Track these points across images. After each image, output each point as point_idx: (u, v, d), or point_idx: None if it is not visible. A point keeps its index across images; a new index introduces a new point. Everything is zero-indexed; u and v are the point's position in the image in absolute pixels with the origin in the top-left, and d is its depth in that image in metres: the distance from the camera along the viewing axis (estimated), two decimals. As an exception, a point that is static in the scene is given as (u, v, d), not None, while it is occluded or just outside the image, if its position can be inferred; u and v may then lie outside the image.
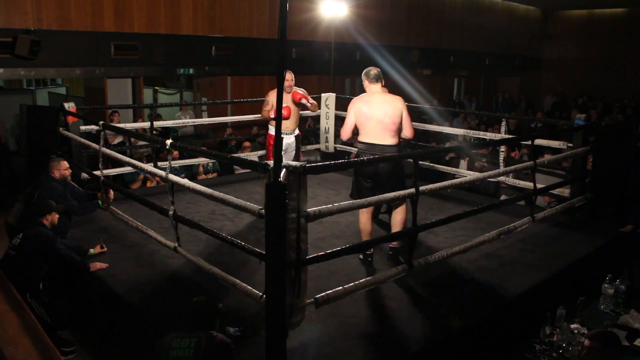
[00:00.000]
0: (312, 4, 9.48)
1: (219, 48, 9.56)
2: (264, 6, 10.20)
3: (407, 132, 4.24)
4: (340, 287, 3.19)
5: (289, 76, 5.18)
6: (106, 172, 5.41)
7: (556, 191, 5.74)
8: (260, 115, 7.43)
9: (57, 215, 4.16)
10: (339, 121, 7.99)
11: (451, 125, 9.12)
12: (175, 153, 6.56)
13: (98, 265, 4.13)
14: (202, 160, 7.12)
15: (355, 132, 4.35)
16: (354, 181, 4.39)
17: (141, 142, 7.47)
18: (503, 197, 6.30)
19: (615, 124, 9.53)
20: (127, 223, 4.66)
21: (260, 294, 3.07)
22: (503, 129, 6.64)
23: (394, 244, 4.27)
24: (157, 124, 6.76)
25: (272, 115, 4.99)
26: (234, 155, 6.43)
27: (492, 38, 16.07)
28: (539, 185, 4.87)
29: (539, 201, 5.99)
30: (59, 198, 4.50)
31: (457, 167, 7.21)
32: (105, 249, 4.41)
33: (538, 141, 5.56)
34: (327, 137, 7.45)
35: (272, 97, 5.20)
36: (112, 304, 3.89)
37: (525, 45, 17.84)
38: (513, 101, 16.75)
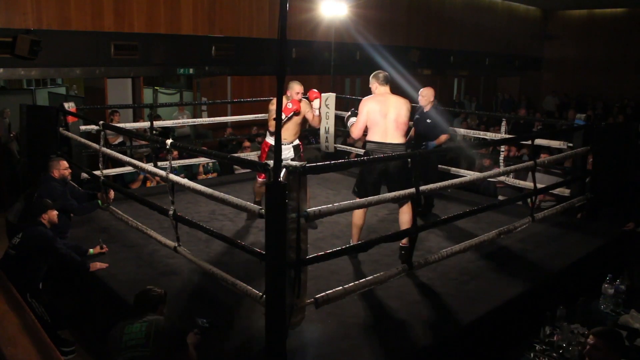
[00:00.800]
0: (312, 4, 9.48)
1: (219, 48, 9.56)
2: (264, 6, 10.20)
3: (409, 133, 4.31)
4: (340, 287, 3.20)
5: (300, 89, 4.94)
6: (106, 172, 5.41)
7: (556, 191, 5.75)
8: (260, 115, 7.47)
9: (55, 213, 4.15)
10: (339, 121, 7.99)
11: (451, 126, 9.10)
12: (175, 153, 6.55)
13: (98, 265, 4.13)
14: (202, 160, 7.12)
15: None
16: (358, 177, 4.41)
17: (141, 142, 7.47)
18: (500, 198, 6.29)
19: (615, 124, 9.54)
20: (127, 223, 4.66)
21: (260, 294, 3.07)
22: (503, 128, 6.65)
23: (404, 242, 4.24)
24: (157, 123, 6.76)
25: (283, 117, 4.82)
26: (234, 155, 6.43)
27: (492, 38, 16.07)
28: (539, 185, 4.87)
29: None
30: (59, 198, 4.50)
31: (458, 167, 7.20)
32: (105, 249, 4.41)
33: (538, 141, 5.56)
34: (327, 137, 7.44)
35: (276, 105, 5.04)
36: (112, 304, 3.89)
37: (525, 45, 17.85)
38: (513, 101, 16.75)
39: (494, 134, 6.66)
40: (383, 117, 4.23)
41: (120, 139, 8.28)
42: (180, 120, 9.28)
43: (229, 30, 9.76)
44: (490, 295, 3.86)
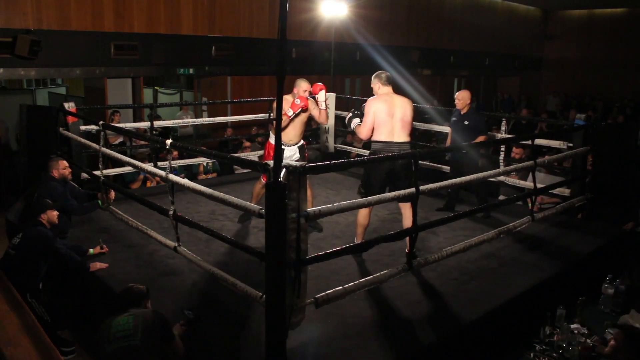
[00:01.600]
0: (312, 4, 9.48)
1: (219, 48, 9.56)
2: (264, 6, 10.20)
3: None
4: (340, 287, 3.20)
5: (307, 86, 4.85)
6: (106, 172, 5.41)
7: (556, 191, 5.75)
8: (260, 115, 7.47)
9: (54, 213, 4.16)
10: (339, 121, 7.99)
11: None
12: (175, 153, 6.56)
13: (98, 265, 4.13)
14: (202, 160, 7.13)
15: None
16: (364, 177, 4.42)
17: (141, 142, 7.47)
18: (501, 197, 6.30)
19: (615, 124, 9.54)
20: (127, 223, 4.66)
21: (260, 294, 3.07)
22: (503, 128, 6.65)
23: (408, 250, 4.20)
24: (157, 123, 6.76)
25: (291, 113, 4.78)
26: (234, 155, 6.43)
27: (492, 38, 16.08)
28: (539, 185, 4.88)
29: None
30: (59, 197, 4.50)
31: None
32: (105, 249, 4.41)
33: (538, 141, 5.56)
34: (327, 137, 7.45)
35: (283, 103, 4.85)
36: (112, 304, 3.88)
37: (525, 45, 17.85)
38: (512, 101, 16.75)
39: (493, 134, 6.66)
40: (390, 116, 4.25)
41: (120, 139, 8.29)
42: (180, 120, 9.28)
43: (229, 30, 9.76)
44: (490, 295, 3.86)
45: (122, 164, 5.29)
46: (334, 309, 3.42)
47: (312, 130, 8.19)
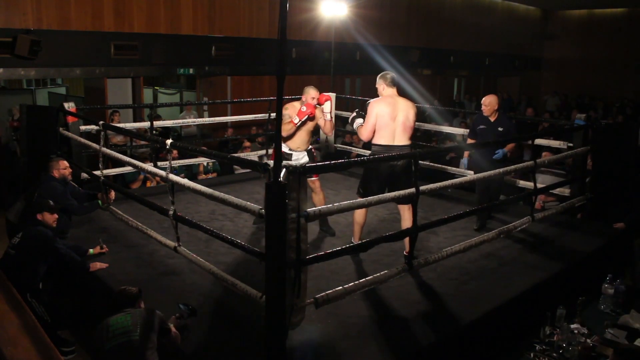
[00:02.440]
0: (312, 4, 9.48)
1: (219, 48, 9.56)
2: (264, 6, 10.21)
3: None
4: (340, 287, 3.20)
5: (315, 94, 4.77)
6: (106, 172, 5.41)
7: (556, 191, 5.75)
8: (260, 115, 7.47)
9: (53, 216, 4.15)
10: (339, 121, 8.00)
11: (451, 125, 9.13)
12: (175, 153, 6.55)
13: (98, 265, 4.13)
14: (202, 160, 7.13)
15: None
16: (363, 178, 4.40)
17: (141, 142, 7.46)
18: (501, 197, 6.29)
19: (615, 123, 9.54)
20: (127, 223, 4.66)
21: (260, 294, 3.07)
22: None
23: (408, 251, 4.09)
24: (157, 123, 6.76)
25: (297, 120, 4.66)
26: (234, 155, 6.43)
27: (492, 38, 16.08)
28: (539, 185, 4.88)
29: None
30: (60, 197, 4.50)
31: (458, 167, 7.20)
32: (105, 249, 4.41)
33: (538, 141, 5.56)
34: (327, 137, 7.45)
35: (290, 110, 4.75)
36: (108, 305, 3.88)
37: (525, 45, 17.85)
38: (512, 101, 16.75)
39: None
40: (392, 120, 4.21)
41: (119, 139, 8.28)
42: (179, 120, 9.29)
43: (229, 30, 9.76)
44: (490, 295, 3.86)
45: (122, 164, 5.29)
46: (334, 309, 3.42)
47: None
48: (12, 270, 3.84)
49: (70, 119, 5.67)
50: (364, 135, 4.35)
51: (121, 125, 6.68)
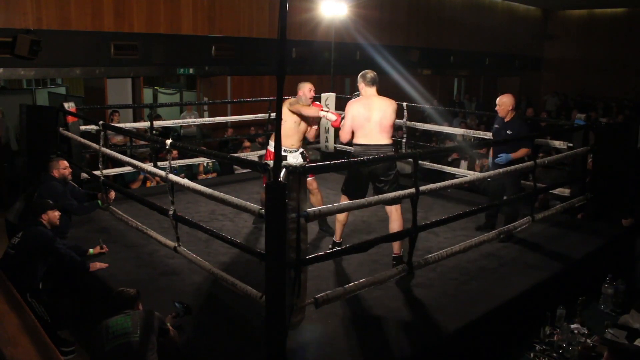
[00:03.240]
0: (312, 4, 9.48)
1: (219, 48, 9.56)
2: (264, 6, 10.20)
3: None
4: (340, 287, 3.20)
5: (311, 86, 4.84)
6: (106, 172, 5.41)
7: (556, 191, 5.75)
8: (260, 115, 7.47)
9: (56, 214, 4.15)
10: (339, 121, 7.98)
11: (451, 125, 9.13)
12: (175, 153, 6.56)
13: (98, 265, 4.13)
14: (202, 160, 7.13)
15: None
16: (346, 177, 4.38)
17: (141, 142, 7.46)
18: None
19: (615, 123, 9.54)
20: (127, 223, 4.66)
21: (260, 294, 3.07)
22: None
23: (396, 252, 4.20)
24: (157, 123, 6.76)
25: (315, 127, 4.74)
26: (234, 155, 6.43)
27: (492, 38, 16.07)
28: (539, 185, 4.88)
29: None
30: (59, 197, 4.50)
31: (458, 167, 7.22)
32: (105, 249, 4.41)
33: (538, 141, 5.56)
34: (327, 137, 7.45)
35: (310, 110, 4.75)
36: (106, 307, 3.88)
37: (525, 45, 17.84)
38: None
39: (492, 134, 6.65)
40: (367, 120, 4.17)
41: (118, 139, 8.28)
42: (179, 120, 9.29)
43: (229, 30, 9.76)
44: (490, 295, 3.86)
45: (122, 164, 5.29)
46: (334, 309, 3.42)
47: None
48: (12, 270, 3.84)
49: (70, 119, 5.67)
50: (342, 136, 4.35)
51: (121, 125, 6.67)
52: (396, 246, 4.18)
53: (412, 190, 3.59)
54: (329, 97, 7.34)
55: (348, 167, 4.02)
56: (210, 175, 7.68)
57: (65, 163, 4.84)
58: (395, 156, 4.26)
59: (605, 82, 17.33)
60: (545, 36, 18.67)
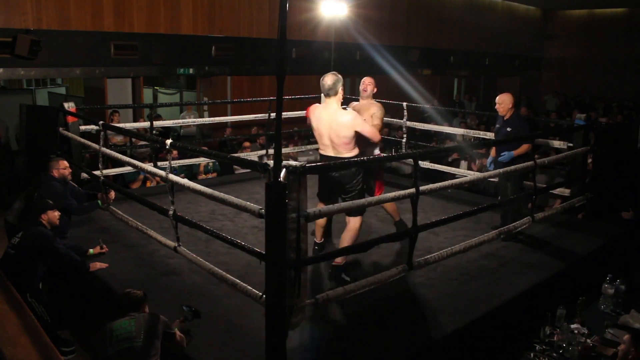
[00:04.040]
0: (312, 4, 9.47)
1: (219, 48, 9.56)
2: (264, 6, 10.20)
3: (373, 140, 4.08)
4: (340, 287, 3.20)
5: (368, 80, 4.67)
6: (106, 172, 5.40)
7: (556, 191, 5.75)
8: (260, 115, 7.46)
9: (56, 214, 4.15)
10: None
11: (451, 125, 9.12)
12: (175, 153, 6.55)
13: (98, 265, 4.13)
14: (202, 160, 7.13)
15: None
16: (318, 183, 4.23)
17: (141, 142, 7.46)
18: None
19: (615, 123, 9.55)
20: (127, 223, 4.66)
21: (260, 294, 3.07)
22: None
23: (337, 261, 3.87)
24: (157, 123, 6.76)
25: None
26: (234, 155, 6.43)
27: (492, 38, 16.07)
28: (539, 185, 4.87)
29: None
30: (59, 197, 4.50)
31: (458, 167, 7.22)
32: (105, 249, 4.41)
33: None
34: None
35: (377, 110, 4.57)
36: (111, 309, 3.88)
37: (525, 45, 17.84)
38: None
39: (493, 134, 6.65)
40: (321, 135, 3.98)
41: (118, 139, 8.28)
42: (179, 120, 9.28)
43: (229, 30, 9.76)
44: (490, 295, 3.86)
45: (122, 164, 5.29)
46: (334, 309, 3.42)
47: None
48: (12, 270, 3.84)
49: (70, 119, 5.67)
50: None
51: (121, 125, 6.67)
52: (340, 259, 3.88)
53: (412, 190, 3.59)
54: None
55: (347, 167, 3.98)
56: (210, 175, 7.68)
57: (65, 163, 4.83)
58: (395, 156, 4.26)
59: (605, 82, 17.33)
60: (545, 36, 18.66)
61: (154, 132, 6.60)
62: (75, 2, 7.82)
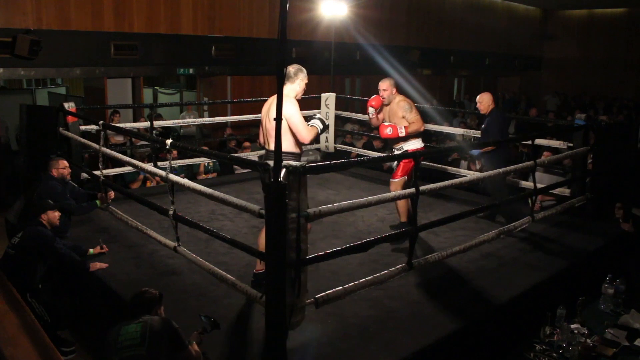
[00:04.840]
0: (312, 4, 9.48)
1: (219, 48, 9.56)
2: (264, 6, 10.20)
3: (299, 138, 3.68)
4: (340, 287, 3.20)
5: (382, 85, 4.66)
6: (106, 172, 5.41)
7: (556, 191, 5.74)
8: (260, 115, 7.44)
9: (56, 214, 4.15)
10: (339, 121, 8.00)
11: (451, 125, 9.12)
12: (175, 153, 6.55)
13: (98, 265, 4.13)
14: (202, 160, 7.13)
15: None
16: None
17: (141, 142, 7.46)
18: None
19: (615, 123, 9.54)
20: (127, 223, 4.66)
21: (260, 294, 3.07)
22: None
23: (259, 268, 3.69)
24: (157, 123, 6.76)
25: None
26: (234, 155, 6.42)
27: (492, 38, 16.07)
28: (539, 185, 4.87)
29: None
30: (59, 197, 4.51)
31: (458, 167, 7.21)
32: (105, 249, 4.41)
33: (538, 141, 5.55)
34: (327, 137, 7.45)
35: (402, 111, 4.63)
36: (112, 304, 3.89)
37: (525, 45, 17.84)
38: (515, 100, 16.74)
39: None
40: (261, 127, 3.93)
41: (118, 139, 8.28)
42: (179, 120, 9.28)
43: (229, 30, 9.76)
44: (490, 295, 3.86)
45: (122, 164, 5.29)
46: (334, 309, 3.42)
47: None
48: (11, 270, 3.85)
49: (70, 119, 5.67)
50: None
51: (121, 125, 6.67)
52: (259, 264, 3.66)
53: (412, 190, 3.59)
54: (329, 97, 7.34)
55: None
56: (210, 175, 7.68)
57: (65, 163, 4.84)
58: (395, 156, 4.26)
59: (606, 81, 17.33)
60: (545, 36, 18.67)
61: (155, 132, 6.59)
62: (75, 2, 7.82)
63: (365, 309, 3.62)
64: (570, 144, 5.59)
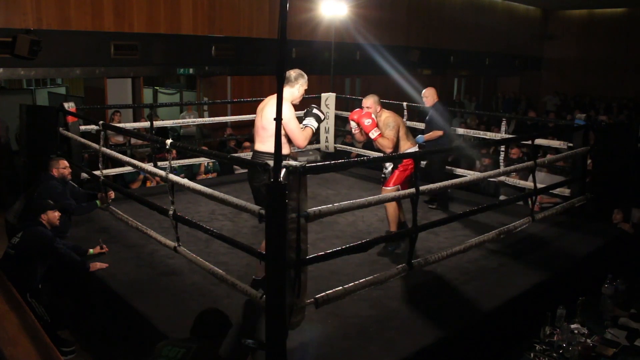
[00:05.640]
0: (312, 4, 9.48)
1: (219, 48, 9.56)
2: (264, 6, 10.20)
3: (295, 143, 3.72)
4: (340, 287, 3.19)
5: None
6: (106, 172, 5.40)
7: (556, 191, 5.74)
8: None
9: (55, 214, 4.15)
10: (339, 121, 8.00)
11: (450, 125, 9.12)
12: (174, 152, 6.54)
13: (98, 265, 4.13)
14: (202, 160, 7.13)
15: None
16: None
17: (141, 142, 7.46)
18: (502, 197, 6.30)
19: (615, 123, 9.55)
20: (127, 223, 4.66)
21: (260, 294, 3.07)
22: (503, 128, 6.64)
23: (258, 275, 3.69)
24: (157, 123, 6.76)
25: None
26: (234, 155, 6.43)
27: (492, 38, 16.07)
28: (539, 185, 4.87)
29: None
30: (58, 197, 4.50)
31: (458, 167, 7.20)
32: (105, 249, 4.41)
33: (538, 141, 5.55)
34: (327, 137, 7.46)
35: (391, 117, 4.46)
36: (112, 304, 3.89)
37: (525, 45, 17.85)
38: (515, 100, 16.75)
39: (494, 134, 6.66)
40: (254, 127, 3.93)
41: (118, 139, 8.28)
42: (179, 120, 9.29)
43: (229, 30, 9.76)
44: (490, 295, 3.86)
45: (122, 164, 5.29)
46: (334, 309, 3.42)
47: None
48: (12, 270, 3.85)
49: (70, 118, 5.67)
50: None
51: (121, 125, 6.67)
52: (260, 269, 3.54)
53: (412, 190, 3.59)
54: (329, 97, 7.35)
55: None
56: (210, 175, 7.68)
57: (65, 163, 4.84)
58: (395, 156, 4.25)
59: (606, 82, 17.34)
60: (545, 36, 18.68)
61: (153, 132, 6.59)
62: (75, 2, 7.82)
63: (365, 309, 3.62)
64: (570, 144, 5.59)
